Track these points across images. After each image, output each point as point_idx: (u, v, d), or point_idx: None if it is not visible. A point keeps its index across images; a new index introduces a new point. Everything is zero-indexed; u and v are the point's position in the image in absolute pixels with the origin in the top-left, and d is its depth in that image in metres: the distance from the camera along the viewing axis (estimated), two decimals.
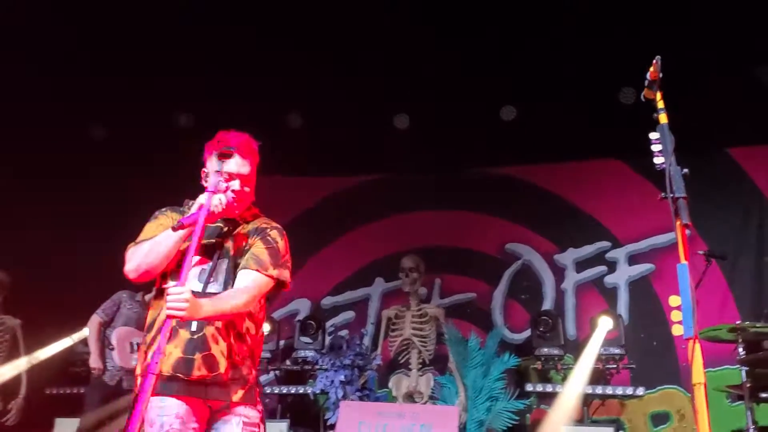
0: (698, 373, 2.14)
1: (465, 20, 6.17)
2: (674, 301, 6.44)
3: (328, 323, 7.29)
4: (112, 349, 5.73)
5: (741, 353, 4.75)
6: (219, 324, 2.56)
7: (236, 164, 2.69)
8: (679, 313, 2.30)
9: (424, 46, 6.29)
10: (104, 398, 5.67)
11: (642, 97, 2.48)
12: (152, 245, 2.60)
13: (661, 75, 2.38)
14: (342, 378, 6.04)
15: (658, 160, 2.30)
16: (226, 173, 2.66)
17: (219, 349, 2.55)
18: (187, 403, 2.56)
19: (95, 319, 5.86)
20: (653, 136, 2.34)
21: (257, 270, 2.61)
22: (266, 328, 6.60)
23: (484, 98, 6.93)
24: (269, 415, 6.69)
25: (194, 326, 2.55)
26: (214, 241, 2.70)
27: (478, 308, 7.26)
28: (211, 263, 2.66)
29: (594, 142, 6.92)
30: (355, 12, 6.00)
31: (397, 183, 7.81)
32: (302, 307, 7.68)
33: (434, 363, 6.42)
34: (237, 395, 2.60)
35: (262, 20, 6.20)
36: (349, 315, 7.60)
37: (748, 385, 4.69)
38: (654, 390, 6.35)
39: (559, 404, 5.95)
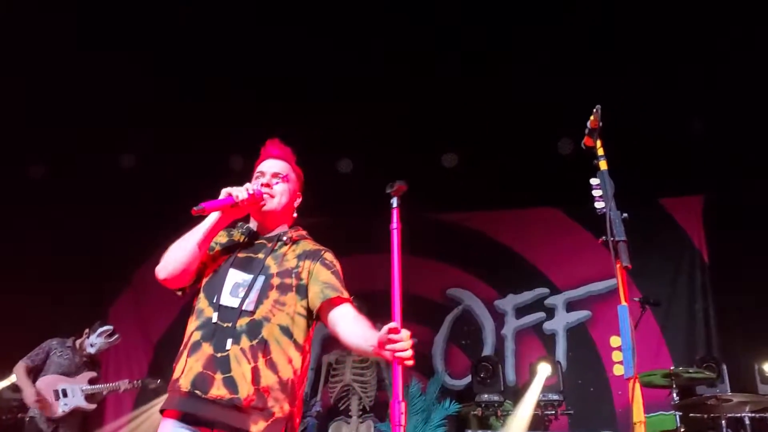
0: (638, 412, 2.19)
1: (410, 67, 6.29)
2: (615, 341, 6.56)
3: None
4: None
5: (675, 398, 4.86)
6: (246, 345, 2.39)
7: (268, 163, 2.74)
8: (620, 353, 2.34)
9: (369, 92, 6.37)
10: None
11: (582, 144, 2.55)
12: (180, 240, 2.55)
13: (601, 123, 2.46)
14: None
15: (598, 204, 2.36)
16: (259, 171, 2.71)
17: (241, 372, 2.35)
18: None
19: (21, 364, 5.68)
20: (594, 181, 2.40)
21: (340, 296, 2.55)
22: None
23: (427, 145, 7.04)
24: None
25: (220, 343, 2.39)
26: (255, 257, 2.58)
27: (419, 354, 7.19)
28: (247, 278, 2.51)
29: (533, 190, 7.10)
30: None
31: (338, 226, 7.78)
32: None
33: (375, 409, 6.35)
34: (257, 426, 2.33)
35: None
36: None
37: (682, 430, 4.79)
38: None
39: None
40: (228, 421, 2.32)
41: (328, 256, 2.70)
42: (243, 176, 2.78)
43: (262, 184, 2.65)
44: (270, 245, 2.61)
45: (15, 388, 5.97)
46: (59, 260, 7.14)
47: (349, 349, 2.53)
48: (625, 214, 2.32)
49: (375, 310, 6.93)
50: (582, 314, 7.05)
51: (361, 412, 6.28)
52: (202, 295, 2.52)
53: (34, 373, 5.71)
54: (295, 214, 2.80)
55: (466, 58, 6.24)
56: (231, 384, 2.33)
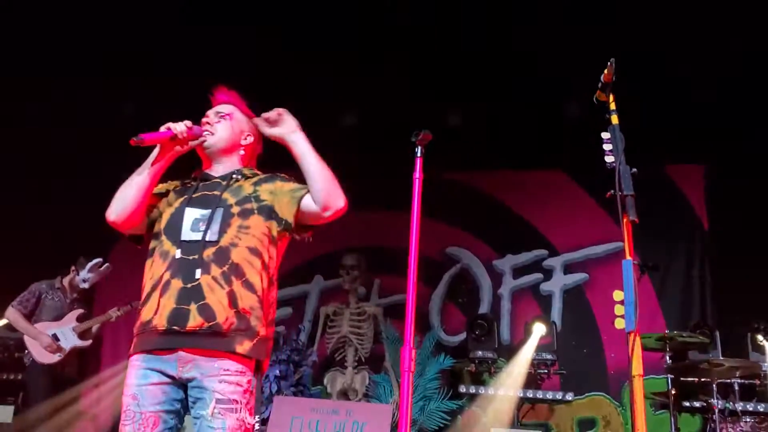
0: (638, 366, 2.23)
1: (412, 25, 6.22)
2: (618, 295, 6.61)
3: None
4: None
5: (668, 361, 4.93)
6: (217, 272, 2.39)
7: (216, 107, 2.76)
8: (622, 307, 2.37)
9: (375, 48, 6.32)
10: (50, 385, 5.50)
11: (594, 98, 2.55)
12: (127, 180, 2.54)
13: (614, 78, 2.45)
14: (277, 373, 5.99)
15: (608, 158, 2.37)
16: (205, 115, 2.73)
17: (216, 298, 2.35)
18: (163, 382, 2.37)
19: (13, 311, 5.65)
20: (605, 135, 2.41)
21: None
22: None
23: (431, 103, 6.99)
24: None
25: (189, 274, 2.39)
26: (210, 193, 2.58)
27: (415, 309, 7.29)
28: (205, 212, 2.51)
29: (537, 152, 7.09)
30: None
31: (340, 181, 7.78)
32: None
33: (370, 361, 6.44)
34: (242, 347, 2.36)
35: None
36: (286, 311, 7.52)
37: (673, 392, 4.87)
38: (582, 396, 6.51)
39: (491, 406, 6.05)
40: (210, 347, 2.33)
41: (284, 175, 2.71)
42: None
43: (202, 122, 2.67)
44: (225, 183, 2.61)
45: (9, 327, 5.98)
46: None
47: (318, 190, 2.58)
48: (635, 169, 2.33)
49: (375, 264, 7.08)
50: (579, 276, 7.09)
51: (356, 364, 6.36)
52: (163, 237, 2.51)
53: (26, 320, 5.68)
54: (242, 152, 2.75)
55: (470, 15, 6.16)
56: (207, 311, 2.34)
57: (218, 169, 2.67)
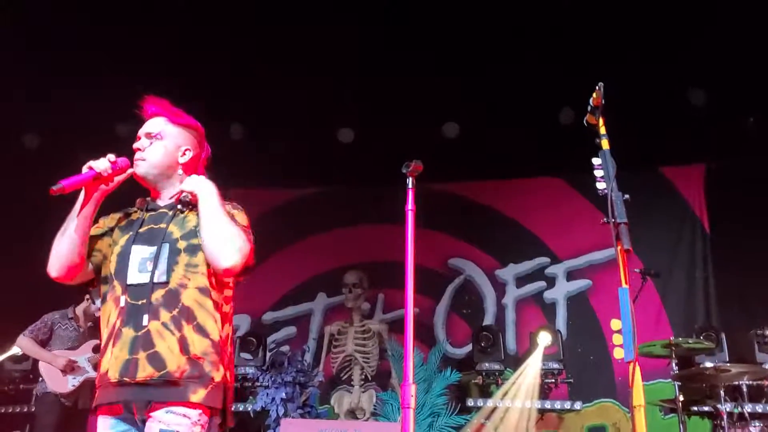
0: (638, 396, 2.20)
1: (412, 36, 6.22)
2: (615, 324, 6.58)
3: (269, 339, 7.18)
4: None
5: (674, 368, 4.90)
6: (167, 318, 2.28)
7: (144, 126, 2.54)
8: (620, 336, 2.35)
9: (372, 61, 6.32)
10: (61, 417, 5.45)
11: (585, 122, 2.53)
12: (59, 233, 2.39)
13: (603, 101, 2.43)
14: (283, 395, 5.97)
15: (600, 185, 2.35)
16: (137, 137, 2.52)
17: (166, 345, 2.25)
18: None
19: (26, 339, 5.60)
20: (596, 161, 2.39)
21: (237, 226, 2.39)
22: None
23: (429, 114, 7.00)
24: None
25: (138, 321, 2.28)
26: (156, 227, 2.44)
27: (420, 323, 7.29)
28: (152, 250, 2.37)
29: (535, 160, 7.08)
30: (299, 20, 5.98)
31: (340, 196, 7.79)
32: (242, 322, 7.55)
33: (377, 379, 6.43)
34: (197, 395, 2.25)
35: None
36: (290, 330, 7.51)
37: (681, 399, 4.84)
38: (591, 404, 6.48)
39: (500, 419, 6.02)
40: (164, 399, 2.23)
41: (238, 216, 2.52)
42: None
43: (133, 149, 2.49)
44: (171, 212, 2.46)
45: (16, 359, 5.95)
46: None
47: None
48: (626, 196, 2.31)
49: (378, 279, 7.06)
50: (582, 283, 7.08)
51: (363, 382, 6.35)
52: (114, 281, 2.40)
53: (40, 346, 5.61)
54: (181, 171, 2.54)
55: (466, 27, 6.16)
56: (157, 360, 2.24)
57: (164, 195, 2.53)
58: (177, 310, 2.30)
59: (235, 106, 6.91)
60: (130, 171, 2.45)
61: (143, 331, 2.27)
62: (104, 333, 2.36)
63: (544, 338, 6.27)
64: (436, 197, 7.51)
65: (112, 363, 2.28)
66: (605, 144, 2.43)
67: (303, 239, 7.82)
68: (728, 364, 5.16)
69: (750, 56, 5.84)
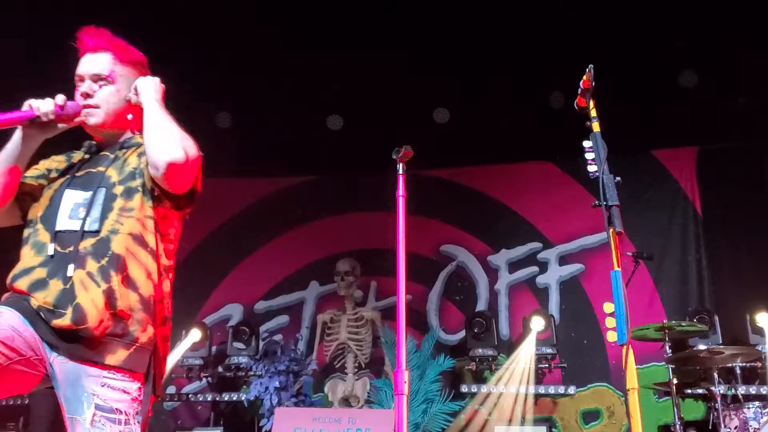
0: (632, 379, 2.18)
1: (401, 23, 6.16)
2: (608, 307, 6.58)
3: (262, 328, 7.16)
4: None
5: (668, 352, 4.90)
6: (94, 268, 2.06)
7: (85, 63, 2.27)
8: (613, 319, 2.33)
9: (360, 48, 6.26)
10: (56, 409, 5.41)
11: (575, 105, 2.49)
12: None
13: (593, 83, 2.40)
14: (276, 384, 5.96)
15: (591, 168, 2.32)
16: (77, 76, 2.26)
17: (90, 298, 2.02)
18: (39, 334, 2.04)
19: None
20: (586, 144, 2.36)
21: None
22: (197, 334, 6.47)
23: (418, 101, 6.95)
24: (202, 423, 6.56)
25: (63, 271, 2.06)
26: (95, 170, 2.23)
27: (413, 310, 7.27)
28: (86, 195, 2.16)
29: (525, 145, 7.04)
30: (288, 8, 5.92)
31: (331, 185, 7.75)
32: (234, 312, 7.53)
33: (370, 366, 6.42)
34: (115, 357, 2.02)
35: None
36: (283, 319, 7.48)
37: (675, 382, 4.84)
38: (585, 388, 6.49)
39: (494, 405, 6.03)
40: (77, 356, 2.01)
41: None
42: None
43: (81, 94, 2.24)
44: (112, 156, 2.25)
45: None
46: None
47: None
48: (618, 178, 2.28)
49: (371, 266, 7.03)
50: (575, 267, 7.06)
51: (356, 369, 6.34)
52: (38, 225, 2.17)
53: None
54: (131, 116, 2.34)
55: (454, 11, 6.10)
56: (77, 313, 2.01)
57: (107, 141, 2.31)
58: (106, 259, 2.08)
59: (222, 94, 6.84)
60: (79, 120, 2.22)
61: (68, 283, 2.05)
62: (23, 280, 2.10)
63: (537, 323, 6.27)
64: (427, 183, 7.49)
65: (35, 300, 2.05)
66: (596, 126, 2.39)
67: (294, 228, 7.78)
68: (721, 347, 5.17)
69: (742, 38, 5.81)
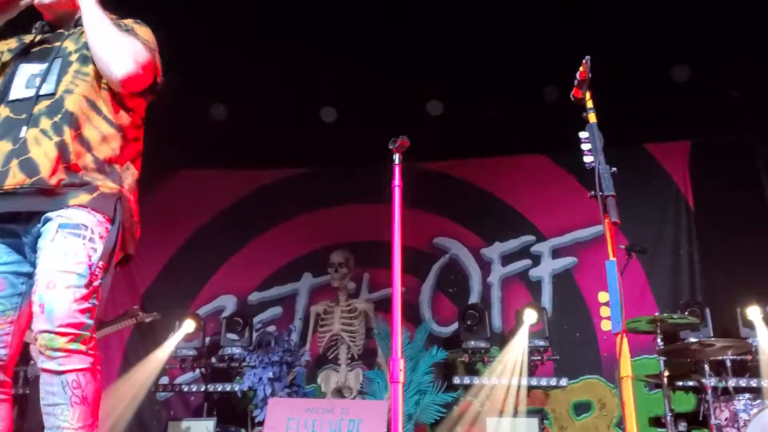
0: (626, 367, 2.20)
1: (391, 15, 6.16)
2: (603, 297, 6.60)
3: (256, 319, 7.16)
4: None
5: (659, 344, 4.93)
6: (47, 125, 2.04)
7: None
8: (608, 309, 2.34)
9: (353, 39, 6.25)
10: None
11: (571, 96, 2.51)
12: None
13: (590, 75, 2.41)
14: (270, 375, 5.96)
15: (587, 158, 2.34)
16: None
17: (41, 150, 2.00)
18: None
19: None
20: (583, 135, 2.37)
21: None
22: (191, 325, 6.46)
23: (412, 93, 6.95)
24: (194, 413, 6.57)
25: (16, 133, 2.05)
26: (51, 45, 2.25)
27: (406, 302, 7.27)
28: (42, 67, 2.17)
29: (519, 138, 7.06)
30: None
31: (325, 176, 7.75)
32: (228, 303, 7.53)
33: (363, 358, 6.43)
34: (77, 200, 2.01)
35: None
36: (276, 311, 7.49)
37: (666, 374, 4.88)
38: (576, 380, 6.51)
39: (486, 396, 6.06)
40: (36, 208, 2.01)
41: (127, 21, 2.32)
42: None
43: None
44: (69, 33, 2.27)
45: None
46: None
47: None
48: (614, 168, 2.30)
49: (364, 258, 7.04)
50: (568, 261, 7.09)
51: (349, 361, 6.35)
52: None
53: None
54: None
55: (447, 2, 6.10)
56: (29, 166, 1.99)
57: (62, 21, 2.32)
58: (59, 116, 2.07)
59: (215, 86, 6.82)
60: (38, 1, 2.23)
61: (20, 141, 2.04)
62: None
63: (530, 316, 6.29)
64: (420, 176, 7.45)
65: None
66: (592, 117, 2.41)
67: (288, 220, 7.78)
68: (713, 339, 5.21)
69: (733, 31, 5.83)
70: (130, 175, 2.20)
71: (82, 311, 1.93)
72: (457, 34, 6.29)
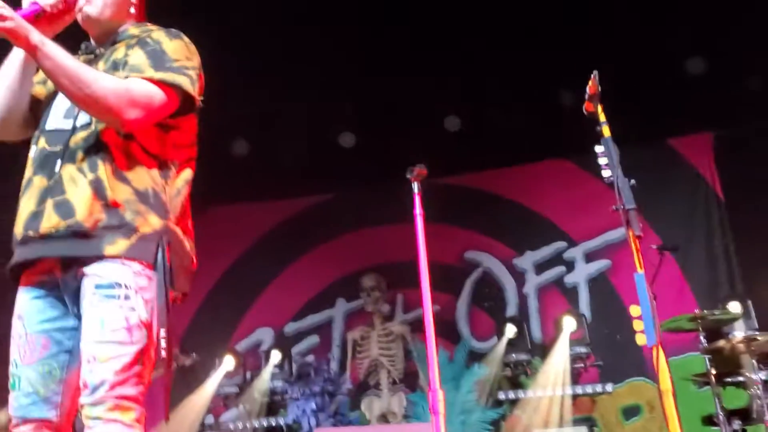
0: (665, 380, 2.16)
1: (404, 30, 6.16)
2: (635, 311, 6.51)
3: (294, 350, 7.18)
4: None
5: (703, 342, 4.84)
6: (83, 160, 1.90)
7: None
8: (641, 322, 2.32)
9: (364, 63, 6.28)
10: None
11: (583, 110, 2.50)
12: None
13: (599, 88, 2.40)
14: (313, 406, 5.98)
15: (605, 173, 2.32)
16: None
17: (77, 190, 1.87)
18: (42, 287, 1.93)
19: None
20: (598, 149, 2.36)
21: (138, 75, 1.97)
22: (231, 362, 6.50)
23: (427, 110, 6.96)
24: None
25: (51, 168, 1.92)
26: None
27: (442, 320, 7.24)
28: None
29: (539, 144, 7.02)
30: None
31: (349, 201, 7.77)
32: (265, 336, 7.57)
33: (404, 381, 6.41)
34: (115, 247, 1.85)
35: None
36: (313, 340, 7.51)
37: (713, 372, 4.78)
38: (622, 384, 6.41)
39: (533, 409, 5.99)
40: (72, 253, 1.86)
41: (156, 34, 2.10)
42: None
43: None
44: (103, 52, 2.11)
45: None
46: None
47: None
48: (633, 181, 2.28)
49: (396, 279, 7.03)
50: (602, 264, 7.01)
51: (391, 385, 6.33)
52: (36, 130, 2.07)
53: None
54: (133, 10, 2.19)
55: (457, 11, 6.07)
56: (64, 207, 1.86)
57: (103, 37, 2.15)
58: (94, 149, 1.93)
59: (237, 120, 6.90)
60: (81, 15, 2.08)
61: (55, 178, 1.91)
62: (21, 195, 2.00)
63: (569, 323, 6.23)
64: (445, 191, 7.45)
65: (19, 216, 1.94)
66: (606, 131, 2.40)
67: (317, 247, 7.82)
68: (757, 333, 5.09)
69: (750, 18, 5.75)
70: (180, 201, 2.05)
71: (124, 381, 1.79)
72: (468, 43, 6.26)
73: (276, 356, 6.74)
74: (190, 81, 2.03)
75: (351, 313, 7.49)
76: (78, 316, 1.89)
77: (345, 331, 7.22)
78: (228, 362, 6.55)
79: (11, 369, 1.91)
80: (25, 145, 2.12)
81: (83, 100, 1.89)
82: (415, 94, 6.61)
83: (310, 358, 6.98)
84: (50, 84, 2.07)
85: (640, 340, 6.44)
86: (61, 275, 1.91)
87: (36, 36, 1.84)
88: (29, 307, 1.92)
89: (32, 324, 1.91)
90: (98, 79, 1.90)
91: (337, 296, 7.61)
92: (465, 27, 6.17)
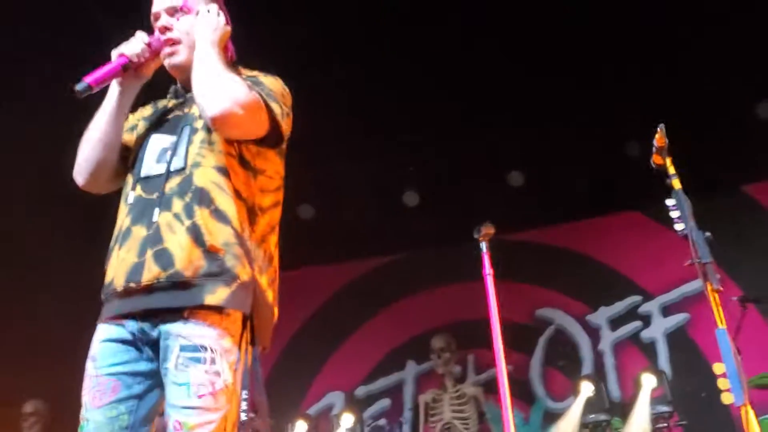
0: None
1: (465, 89, 6.21)
2: (718, 369, 6.19)
3: (365, 414, 7.11)
4: None
5: None
6: (178, 207, 1.89)
7: (157, 1, 2.16)
8: (725, 380, 2.21)
9: (427, 125, 6.35)
10: None
11: (651, 163, 2.45)
12: (85, 133, 2.09)
13: (667, 141, 2.36)
14: None
15: (678, 226, 2.26)
16: (152, 16, 2.15)
17: (176, 238, 1.85)
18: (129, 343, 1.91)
19: None
20: (669, 202, 2.30)
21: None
22: (302, 427, 6.47)
23: (490, 167, 6.96)
24: None
25: (149, 217, 1.91)
26: (181, 113, 2.11)
27: (516, 381, 7.05)
28: (172, 138, 2.02)
29: (608, 197, 6.91)
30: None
31: (416, 261, 7.76)
32: (336, 400, 7.53)
33: None
34: (215, 297, 1.82)
35: None
36: (385, 403, 7.42)
37: None
38: None
39: None
40: (172, 304, 1.83)
41: (251, 73, 2.13)
42: None
43: (159, 29, 2.12)
44: (191, 95, 2.09)
45: None
46: None
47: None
48: (708, 233, 2.20)
49: (466, 339, 6.92)
50: (680, 317, 6.75)
51: None
52: (128, 176, 2.07)
53: None
54: (226, 51, 2.15)
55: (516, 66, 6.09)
56: (163, 257, 1.84)
57: (190, 80, 2.11)
58: (189, 195, 1.91)
59: (298, 187, 7.03)
60: (163, 54, 2.11)
61: (153, 227, 1.89)
62: (113, 237, 2.00)
63: (649, 381, 5.96)
64: (513, 248, 7.35)
65: (118, 267, 1.91)
66: (676, 183, 2.34)
67: (385, 308, 7.80)
68: None
69: None
70: (261, 252, 1.98)
71: None
72: (527, 100, 6.26)
73: (348, 420, 6.65)
74: (281, 112, 2.03)
75: (422, 375, 7.39)
76: (150, 359, 1.90)
77: (416, 393, 7.10)
78: (300, 427, 6.51)
79: (82, 411, 1.90)
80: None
81: (205, 84, 1.93)
82: (478, 150, 6.63)
83: (383, 421, 6.87)
84: (139, 129, 2.14)
85: (726, 399, 6.10)
86: (141, 323, 1.90)
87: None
88: (102, 348, 1.91)
89: (103, 366, 1.89)
90: (233, 82, 1.94)
91: (407, 358, 7.54)
92: (526, 81, 6.17)
